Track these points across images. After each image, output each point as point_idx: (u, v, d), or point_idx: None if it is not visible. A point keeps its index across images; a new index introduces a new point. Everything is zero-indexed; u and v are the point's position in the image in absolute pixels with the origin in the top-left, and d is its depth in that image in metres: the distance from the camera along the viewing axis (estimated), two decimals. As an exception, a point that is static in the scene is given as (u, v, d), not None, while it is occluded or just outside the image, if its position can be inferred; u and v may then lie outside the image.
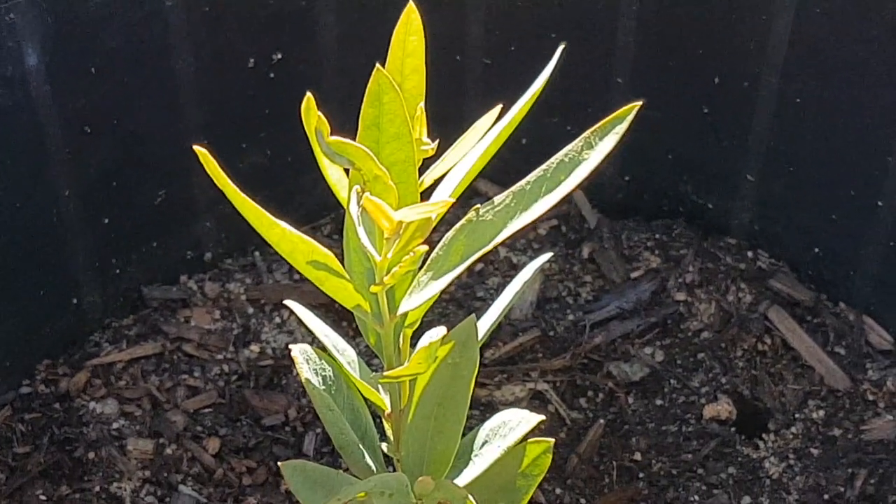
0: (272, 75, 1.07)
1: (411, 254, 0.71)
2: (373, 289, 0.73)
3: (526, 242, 1.16)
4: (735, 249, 1.14)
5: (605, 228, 1.15)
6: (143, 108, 1.04)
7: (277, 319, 1.12)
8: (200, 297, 1.14)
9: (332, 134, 0.72)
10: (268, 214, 0.72)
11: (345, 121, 1.09)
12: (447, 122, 1.10)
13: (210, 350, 1.10)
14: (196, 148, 0.69)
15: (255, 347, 1.10)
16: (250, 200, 0.72)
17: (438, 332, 0.73)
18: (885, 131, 1.00)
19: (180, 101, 1.05)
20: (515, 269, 1.13)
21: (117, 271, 1.11)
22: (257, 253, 1.17)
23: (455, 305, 1.11)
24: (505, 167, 1.17)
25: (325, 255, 0.74)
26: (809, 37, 1.00)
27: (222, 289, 1.14)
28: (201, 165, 1.09)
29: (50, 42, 0.96)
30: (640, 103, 0.71)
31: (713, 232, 1.15)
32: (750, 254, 1.14)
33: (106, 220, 1.07)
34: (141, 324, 1.12)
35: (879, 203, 1.03)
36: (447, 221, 1.15)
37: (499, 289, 1.12)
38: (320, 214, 1.19)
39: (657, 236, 1.15)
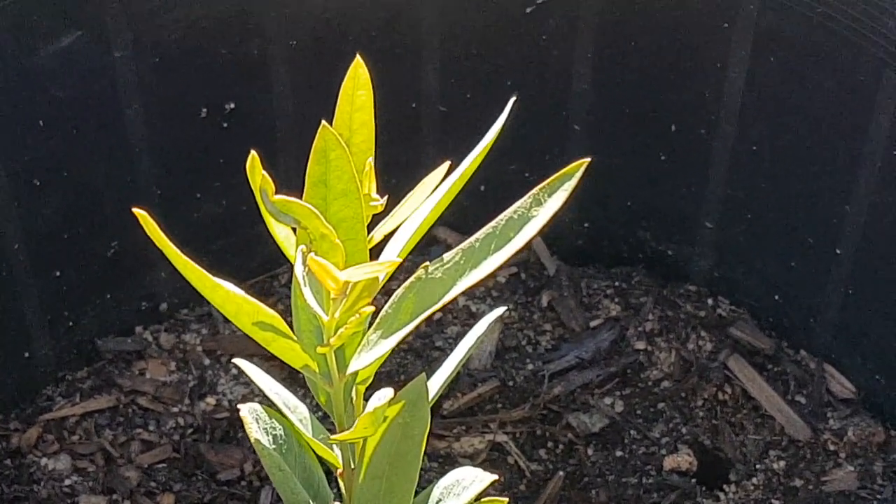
0: (225, 125, 1.06)
1: (357, 315, 0.70)
2: (319, 350, 0.72)
3: (485, 290, 1.15)
4: (695, 296, 1.13)
5: (565, 276, 1.14)
6: (94, 159, 1.03)
7: (234, 371, 1.11)
8: (156, 349, 1.12)
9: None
10: (210, 276, 0.71)
11: (301, 169, 1.08)
12: (403, 170, 1.09)
13: (165, 403, 1.08)
14: (135, 210, 0.68)
15: (210, 400, 1.09)
16: (191, 262, 0.70)
17: (385, 394, 0.72)
18: (841, 179, 0.99)
19: (132, 151, 1.04)
20: (474, 317, 1.12)
21: (70, 323, 1.09)
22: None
23: (413, 355, 1.10)
24: (463, 213, 1.16)
25: (271, 315, 0.73)
26: (765, 85, 0.99)
27: (178, 340, 1.13)
28: (154, 215, 1.09)
29: (-3, 95, 0.95)
30: (588, 160, 0.70)
31: (673, 279, 1.15)
32: (710, 301, 1.14)
33: (57, 273, 1.06)
34: (95, 376, 1.10)
35: (838, 251, 1.02)
36: (406, 269, 1.15)
37: (458, 338, 1.11)
38: (277, 263, 1.18)
39: (617, 284, 1.14)
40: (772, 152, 1.03)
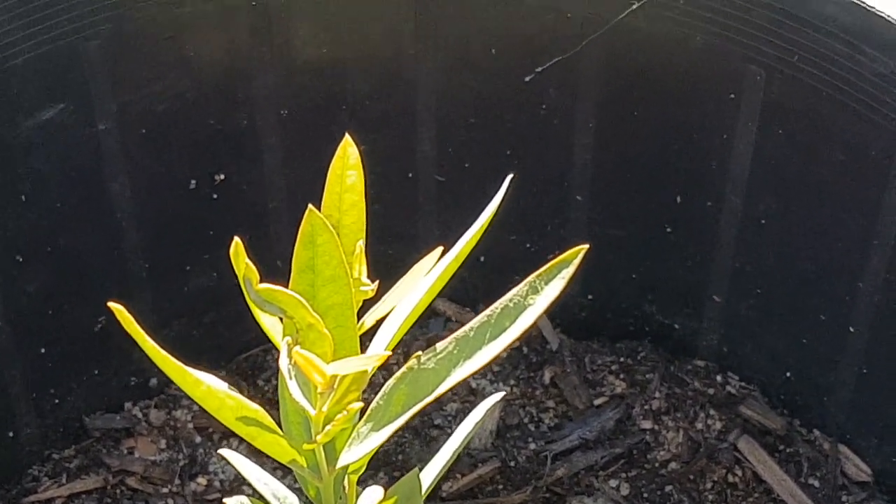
0: (215, 196, 1.04)
1: (346, 412, 0.68)
2: (306, 446, 0.70)
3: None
4: (703, 373, 1.11)
5: (568, 351, 1.12)
6: (79, 233, 1.01)
7: (226, 449, 1.08)
8: (145, 426, 1.09)
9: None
10: (192, 371, 0.68)
11: (293, 240, 1.06)
12: (399, 240, 1.07)
13: (155, 483, 1.06)
14: (112, 305, 0.65)
15: (202, 480, 1.06)
16: (171, 358, 0.68)
17: (375, 493, 0.70)
18: (852, 255, 0.97)
19: (118, 225, 1.02)
20: (474, 394, 1.09)
21: (56, 401, 1.07)
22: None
23: (411, 433, 1.07)
24: (463, 285, 1.14)
25: (254, 410, 0.70)
26: (772, 157, 0.97)
27: (168, 416, 1.10)
28: (143, 289, 1.07)
29: (-24, 171, 0.92)
30: (586, 247, 0.68)
31: (680, 354, 1.12)
32: (719, 377, 1.11)
33: (42, 349, 1.04)
34: (82, 455, 1.07)
35: (851, 329, 1.00)
36: (405, 342, 1.12)
37: (457, 415, 1.08)
38: (271, 336, 1.15)
39: (622, 359, 1.12)
40: (781, 226, 1.00)
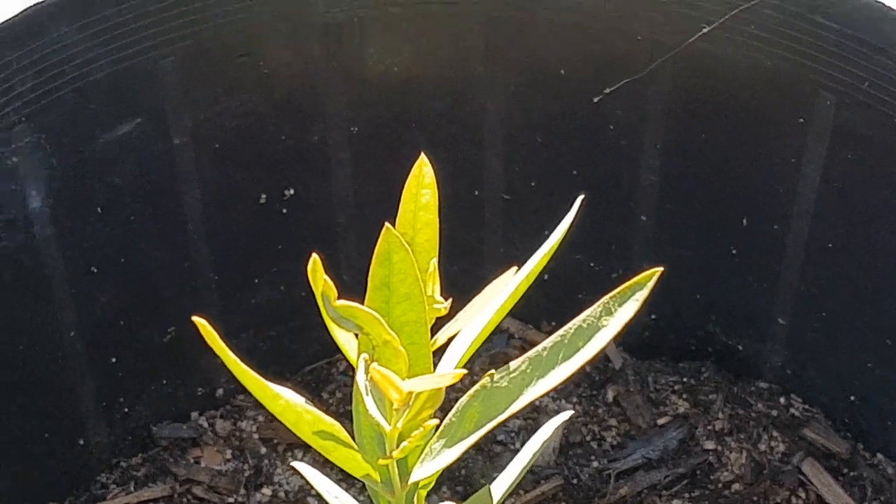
0: (284, 210, 1.05)
1: (421, 429, 0.68)
2: (381, 462, 0.70)
3: (549, 382, 1.13)
4: (767, 394, 1.10)
5: (631, 370, 1.12)
6: (151, 245, 1.02)
7: (291, 460, 1.09)
8: (211, 436, 1.10)
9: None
10: (271, 385, 0.69)
11: (360, 256, 1.07)
12: (465, 257, 1.08)
13: (220, 493, 1.07)
14: (196, 319, 0.66)
15: (266, 490, 1.07)
16: (251, 372, 0.69)
17: None
18: (921, 279, 0.97)
19: (189, 237, 1.03)
20: (537, 411, 1.10)
21: (125, 410, 1.08)
22: (271, 389, 1.14)
23: (475, 449, 1.08)
24: (526, 302, 1.13)
25: (331, 425, 0.71)
26: (840, 182, 0.97)
27: (234, 427, 1.11)
28: (212, 301, 1.08)
29: (55, 184, 0.94)
30: (660, 270, 0.69)
31: (743, 375, 1.12)
32: (782, 399, 1.10)
33: (113, 360, 1.05)
34: (149, 464, 1.08)
35: (918, 354, 1.00)
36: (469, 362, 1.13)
37: (519, 432, 1.08)
38: (335, 349, 1.14)
39: (685, 379, 1.12)
40: (847, 250, 1.00)
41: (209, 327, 0.68)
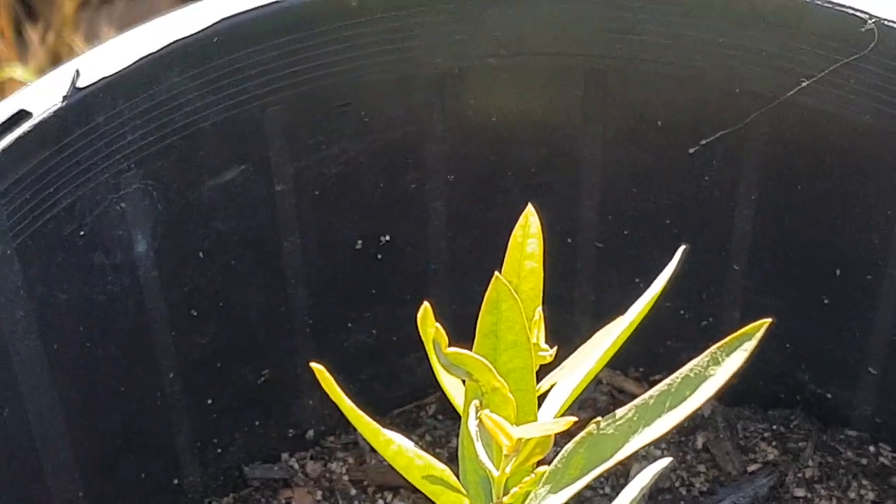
0: (379, 256, 1.07)
1: (532, 475, 0.70)
2: (489, 507, 0.72)
3: (638, 428, 1.13)
4: (856, 443, 1.10)
5: (720, 416, 1.12)
6: (250, 289, 1.03)
7: (380, 502, 1.10)
8: (302, 477, 1.12)
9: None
10: (384, 431, 0.71)
11: (451, 302, 1.08)
12: (556, 304, 1.08)
13: (311, 533, 1.08)
14: (313, 366, 0.68)
15: (357, 531, 1.08)
16: (365, 417, 0.70)
17: None
18: None
19: (287, 282, 1.05)
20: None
21: (219, 450, 1.09)
22: (359, 431, 1.15)
23: (564, 494, 1.08)
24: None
25: (441, 470, 0.73)
26: (937, 234, 0.97)
27: (324, 468, 1.12)
28: (306, 344, 1.09)
29: (160, 228, 0.95)
30: (768, 321, 0.70)
31: (833, 423, 1.12)
32: (872, 448, 1.10)
33: (209, 401, 1.06)
34: (241, 504, 1.10)
35: None
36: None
37: (609, 477, 1.09)
38: (425, 393, 1.17)
39: (774, 426, 1.12)
40: (941, 301, 1.00)
41: (325, 373, 0.70)
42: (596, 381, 1.16)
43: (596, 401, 1.14)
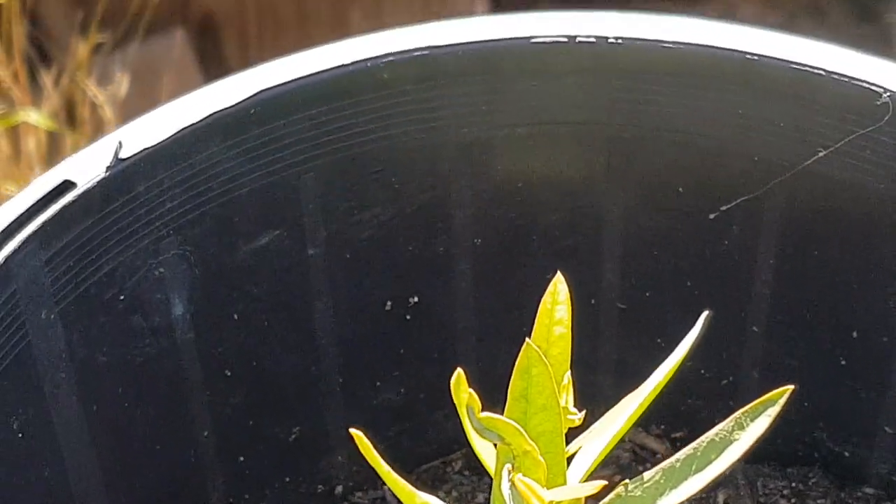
0: (408, 317, 1.09)
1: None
2: (522, 569, 0.74)
3: (659, 485, 1.15)
4: (873, 500, 1.12)
5: (740, 474, 1.14)
6: (282, 350, 1.06)
7: (407, 557, 1.12)
8: (330, 533, 1.14)
9: (472, 392, 0.73)
10: (420, 494, 0.73)
11: (478, 362, 1.11)
12: (578, 365, 1.10)
13: (341, 588, 1.10)
14: (353, 431, 0.70)
15: (385, 587, 1.10)
16: (401, 481, 0.72)
17: None
18: None
19: (318, 343, 1.07)
20: (648, 512, 1.12)
21: (250, 506, 1.12)
22: (386, 487, 1.18)
23: (588, 550, 1.10)
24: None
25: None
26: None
27: (352, 524, 1.14)
28: (336, 403, 1.12)
29: (196, 292, 0.98)
30: (791, 387, 0.72)
31: (850, 481, 1.13)
32: (888, 505, 1.13)
33: (241, 458, 1.09)
34: (271, 560, 1.12)
35: None
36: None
37: (632, 532, 1.11)
38: (451, 449, 1.19)
39: (793, 484, 1.13)
40: (957, 364, 1.02)
41: (364, 438, 0.72)
42: (620, 440, 1.18)
43: (619, 458, 1.16)
